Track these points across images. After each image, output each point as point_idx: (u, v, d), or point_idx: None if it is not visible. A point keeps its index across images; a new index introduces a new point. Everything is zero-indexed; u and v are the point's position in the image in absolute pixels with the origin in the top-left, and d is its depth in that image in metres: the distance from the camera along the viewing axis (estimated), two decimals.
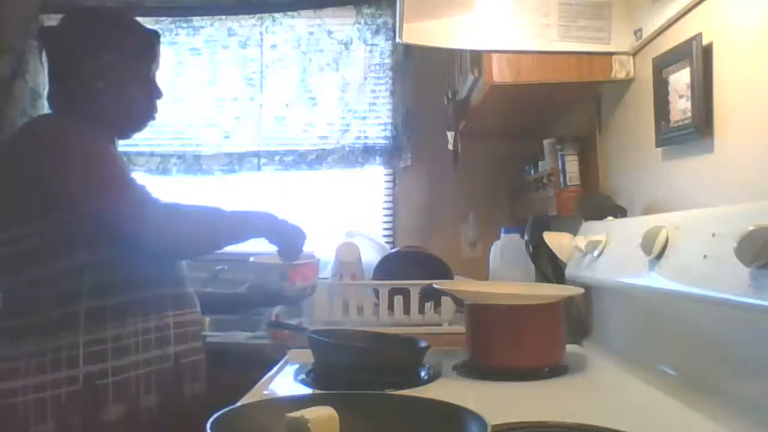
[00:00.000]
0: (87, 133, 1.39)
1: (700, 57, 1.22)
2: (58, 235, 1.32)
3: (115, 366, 1.31)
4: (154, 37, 1.53)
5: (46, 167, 1.33)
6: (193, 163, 2.76)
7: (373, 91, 2.76)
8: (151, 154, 2.73)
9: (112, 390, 1.30)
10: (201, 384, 1.48)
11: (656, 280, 1.12)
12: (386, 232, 2.82)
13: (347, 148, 2.74)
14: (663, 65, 1.37)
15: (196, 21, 2.78)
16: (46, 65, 1.50)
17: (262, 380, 1.34)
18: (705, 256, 0.97)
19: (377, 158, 2.74)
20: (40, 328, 1.30)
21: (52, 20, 2.75)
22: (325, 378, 1.30)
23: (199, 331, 1.51)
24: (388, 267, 2.16)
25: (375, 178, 2.84)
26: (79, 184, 1.31)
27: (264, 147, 2.76)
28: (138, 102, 1.51)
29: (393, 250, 2.42)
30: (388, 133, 2.74)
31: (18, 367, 1.27)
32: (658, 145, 1.40)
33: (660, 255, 1.11)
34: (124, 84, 1.47)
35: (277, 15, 2.78)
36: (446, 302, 1.93)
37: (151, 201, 1.35)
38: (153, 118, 1.55)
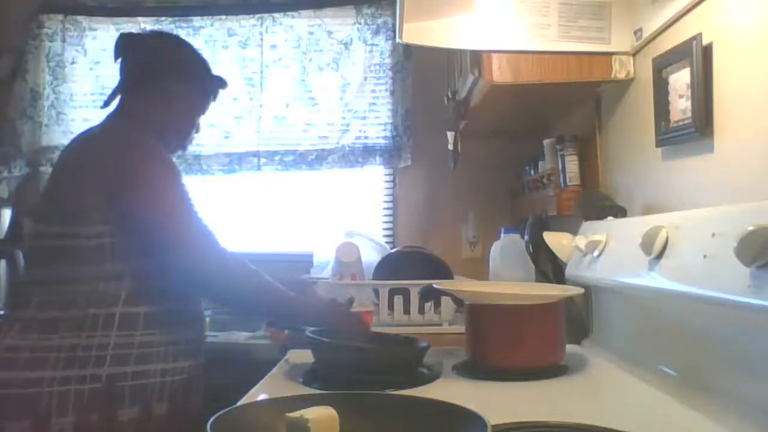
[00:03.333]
0: (167, 161, 1.47)
1: (700, 57, 1.22)
2: (115, 242, 1.39)
3: (135, 371, 1.36)
4: (222, 82, 1.69)
5: (124, 187, 1.40)
6: (193, 163, 2.75)
7: (373, 91, 2.75)
8: None
9: (129, 393, 1.35)
10: (202, 392, 1.51)
11: (656, 280, 1.12)
12: (386, 232, 2.81)
13: (347, 148, 2.73)
14: (663, 65, 1.37)
15: (196, 21, 2.78)
16: (119, 70, 1.60)
17: (262, 380, 1.34)
18: (705, 256, 0.97)
19: (377, 158, 2.74)
20: (75, 324, 1.35)
21: (52, 20, 2.76)
22: (325, 378, 1.30)
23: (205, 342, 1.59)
24: (388, 267, 2.16)
25: (375, 178, 2.84)
26: (171, 230, 1.40)
27: (264, 147, 2.76)
28: (185, 130, 1.64)
29: (393, 250, 2.42)
30: (388, 133, 2.74)
31: (48, 358, 1.31)
32: (658, 145, 1.40)
33: (660, 255, 1.11)
34: (185, 112, 1.62)
35: (277, 15, 2.77)
36: (446, 302, 1.93)
37: (230, 259, 1.43)
38: (185, 149, 1.70)
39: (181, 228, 1.40)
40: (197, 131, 1.68)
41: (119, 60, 1.60)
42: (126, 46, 1.60)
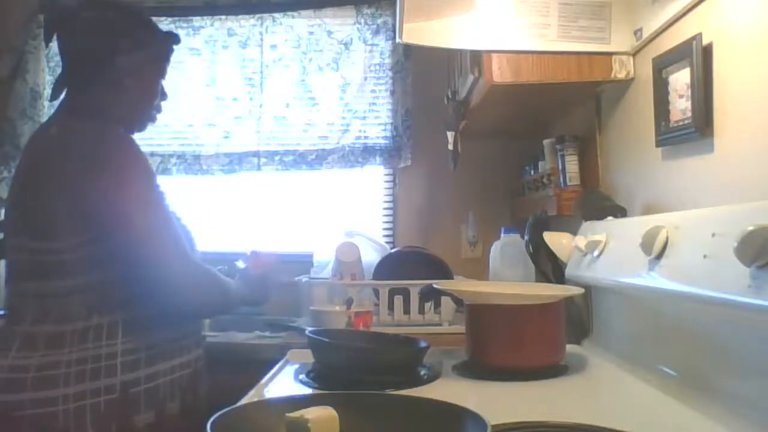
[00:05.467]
0: (140, 158, 1.38)
1: (700, 57, 1.22)
2: (99, 251, 1.33)
3: (147, 374, 1.34)
4: (173, 39, 1.55)
5: (98, 192, 1.32)
6: (193, 163, 2.75)
7: (373, 91, 2.75)
8: (151, 154, 2.72)
9: (143, 398, 1.33)
10: (207, 383, 1.51)
11: (656, 280, 1.12)
12: (386, 232, 2.81)
13: (347, 148, 2.73)
14: (663, 65, 1.37)
15: (196, 21, 2.78)
16: (59, 53, 1.49)
17: (262, 380, 1.34)
18: (705, 256, 0.97)
19: (377, 158, 2.74)
20: (78, 336, 1.30)
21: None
22: (325, 378, 1.30)
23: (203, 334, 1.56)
24: (388, 267, 2.16)
25: (375, 178, 2.84)
26: (129, 230, 1.33)
27: (264, 147, 2.75)
28: (149, 102, 1.53)
29: (393, 250, 2.42)
30: (388, 133, 2.74)
31: (58, 376, 1.27)
32: (658, 145, 1.40)
33: (660, 255, 1.11)
34: (143, 83, 1.49)
35: (277, 15, 2.77)
36: (446, 302, 1.93)
37: (190, 262, 1.38)
38: (155, 119, 1.57)
39: (146, 237, 1.33)
40: (164, 98, 1.56)
41: (55, 42, 1.47)
42: (57, 26, 1.46)
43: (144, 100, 1.51)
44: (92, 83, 1.45)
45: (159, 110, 1.57)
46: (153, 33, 1.52)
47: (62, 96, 1.49)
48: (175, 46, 1.55)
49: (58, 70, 2.70)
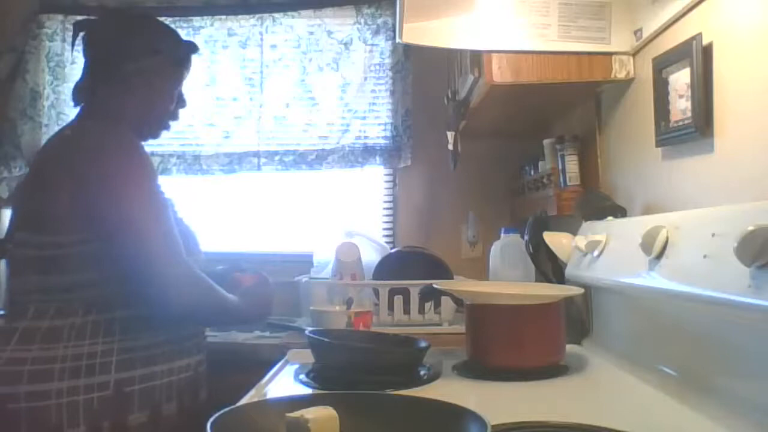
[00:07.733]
0: (143, 160, 1.40)
1: (700, 57, 1.22)
2: (100, 248, 1.34)
3: (142, 374, 1.34)
4: (192, 47, 1.59)
5: (101, 191, 1.33)
6: (193, 162, 2.75)
7: (373, 91, 2.75)
8: (152, 154, 2.69)
9: (138, 397, 1.33)
10: (207, 388, 1.51)
11: (656, 280, 1.12)
12: (386, 232, 2.81)
13: (347, 148, 2.73)
14: (663, 65, 1.37)
15: (196, 21, 2.78)
16: (82, 58, 1.52)
17: (262, 380, 1.34)
18: (705, 256, 0.97)
19: (377, 158, 2.73)
20: (76, 332, 1.31)
21: (52, 20, 2.76)
22: (325, 378, 1.30)
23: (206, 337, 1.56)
24: (388, 267, 2.16)
25: (375, 178, 2.84)
26: (125, 229, 1.33)
27: (264, 147, 2.75)
28: (164, 107, 1.55)
29: (393, 250, 2.42)
30: (388, 133, 2.74)
31: (52, 370, 1.28)
32: (658, 145, 1.40)
33: (660, 255, 1.11)
34: (161, 89, 1.52)
35: (277, 15, 2.77)
36: (446, 302, 1.93)
37: (184, 267, 1.36)
38: (169, 127, 1.61)
39: (143, 239, 1.33)
40: (182, 106, 1.59)
41: (79, 49, 1.51)
42: (82, 33, 1.50)
43: (158, 104, 1.54)
44: (109, 86, 1.49)
45: (175, 118, 1.60)
46: (172, 40, 1.56)
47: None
48: (194, 55, 1.59)
49: (58, 70, 2.75)
